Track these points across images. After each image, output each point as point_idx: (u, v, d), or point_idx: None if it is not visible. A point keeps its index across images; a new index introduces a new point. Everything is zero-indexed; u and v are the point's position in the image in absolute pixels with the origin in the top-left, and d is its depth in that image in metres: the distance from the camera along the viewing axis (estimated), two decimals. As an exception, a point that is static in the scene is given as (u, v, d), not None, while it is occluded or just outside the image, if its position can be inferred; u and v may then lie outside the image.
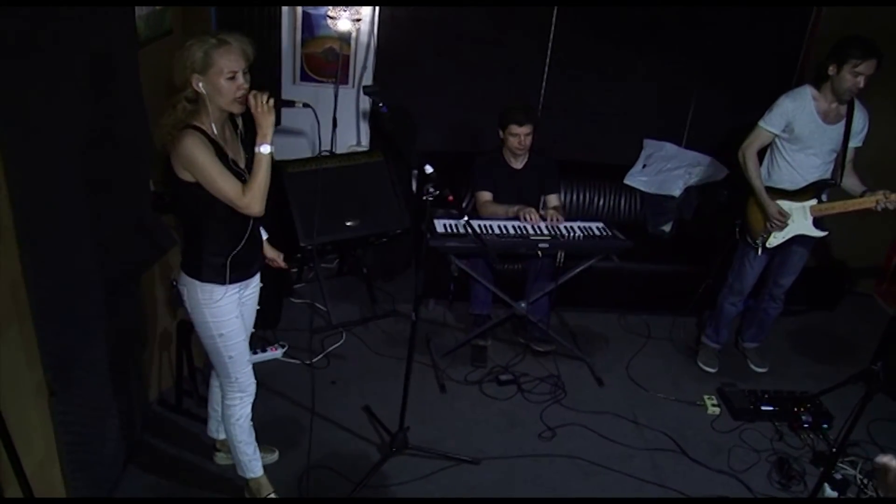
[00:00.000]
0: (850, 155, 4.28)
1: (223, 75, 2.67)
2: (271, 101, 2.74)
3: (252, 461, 3.36)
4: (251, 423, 3.29)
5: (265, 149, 2.75)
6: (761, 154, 4.38)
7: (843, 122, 4.19)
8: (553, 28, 5.53)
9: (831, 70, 4.06)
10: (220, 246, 2.91)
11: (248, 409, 3.25)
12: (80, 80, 2.80)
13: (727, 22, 5.59)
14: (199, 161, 2.67)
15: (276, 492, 3.45)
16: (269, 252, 3.36)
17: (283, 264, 3.44)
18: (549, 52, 5.61)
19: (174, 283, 3.07)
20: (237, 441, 3.28)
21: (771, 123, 4.24)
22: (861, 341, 5.41)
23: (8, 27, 2.24)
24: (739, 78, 5.74)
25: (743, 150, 4.34)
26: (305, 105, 2.98)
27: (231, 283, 2.96)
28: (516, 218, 4.48)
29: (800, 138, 4.21)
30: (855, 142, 4.26)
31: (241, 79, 2.72)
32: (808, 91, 4.18)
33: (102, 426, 3.23)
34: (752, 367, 4.94)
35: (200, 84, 2.69)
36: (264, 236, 3.29)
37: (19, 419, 2.36)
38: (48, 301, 2.60)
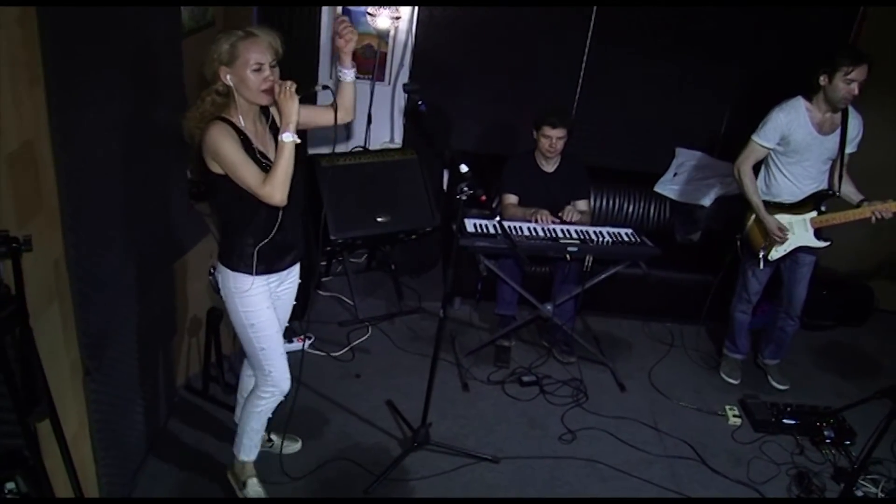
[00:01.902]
0: (845, 161, 4.28)
1: (249, 67, 2.70)
2: (293, 88, 2.72)
3: (254, 447, 3.39)
4: (270, 416, 3.33)
5: (287, 137, 2.73)
6: (756, 168, 4.39)
7: (838, 132, 4.18)
8: (590, 34, 5.53)
9: (823, 80, 4.06)
10: (249, 236, 2.93)
11: (275, 405, 3.28)
12: (124, 69, 2.86)
13: (765, 31, 5.56)
14: (223, 150, 2.70)
15: (296, 482, 3.50)
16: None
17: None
18: (584, 58, 5.62)
19: (212, 270, 3.11)
20: (249, 428, 3.31)
21: (765, 138, 4.24)
22: (888, 359, 5.39)
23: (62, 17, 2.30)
24: (776, 88, 5.68)
25: (738, 165, 4.34)
26: (324, 87, 2.97)
27: (258, 274, 2.97)
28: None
29: (796, 150, 4.20)
30: (850, 148, 4.24)
31: (267, 71, 2.74)
32: (800, 103, 4.17)
33: (131, 407, 3.30)
34: (773, 383, 4.88)
35: (228, 76, 2.73)
36: (349, 77, 3.06)
37: (56, 395, 2.41)
38: (87, 282, 2.66)
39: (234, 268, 2.96)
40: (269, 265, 3.02)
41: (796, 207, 4.33)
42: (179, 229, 3.65)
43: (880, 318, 5.87)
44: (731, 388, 4.83)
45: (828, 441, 4.28)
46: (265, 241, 2.95)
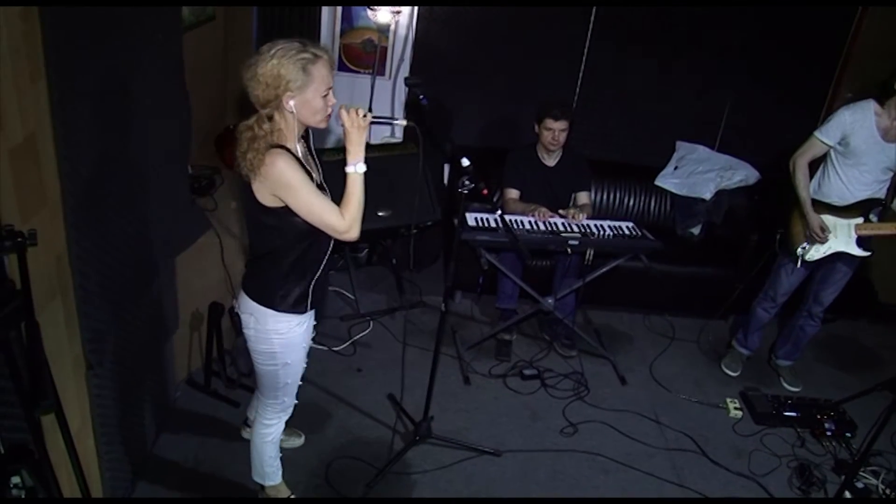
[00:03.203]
0: None
1: (320, 92, 2.50)
2: (368, 117, 2.59)
3: (276, 472, 3.30)
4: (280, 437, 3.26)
5: (361, 167, 2.60)
6: (815, 165, 4.29)
7: None
8: (591, 27, 5.53)
9: None
10: (303, 272, 2.75)
11: (283, 426, 3.18)
12: (125, 63, 2.85)
13: (765, 25, 5.55)
14: (295, 185, 2.49)
15: (298, 476, 3.52)
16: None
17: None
18: (585, 51, 5.62)
19: (235, 310, 2.91)
20: (266, 456, 3.20)
21: (826, 134, 4.14)
22: (888, 352, 5.40)
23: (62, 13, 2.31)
24: (776, 82, 5.71)
25: (794, 158, 4.24)
26: (409, 123, 2.85)
27: (312, 309, 2.86)
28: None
29: (855, 153, 4.09)
30: None
31: (331, 95, 2.56)
32: (870, 105, 4.04)
33: (134, 402, 3.30)
34: (785, 385, 4.85)
35: (292, 102, 2.48)
36: None
37: (58, 391, 2.41)
38: (89, 277, 2.66)
39: (281, 308, 2.76)
40: (320, 298, 2.89)
41: (843, 211, 4.24)
42: (181, 224, 3.65)
43: (880, 311, 5.86)
44: (731, 380, 4.84)
45: (828, 433, 4.29)
46: (317, 274, 2.80)
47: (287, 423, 3.34)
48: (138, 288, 3.16)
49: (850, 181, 4.19)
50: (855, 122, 4.05)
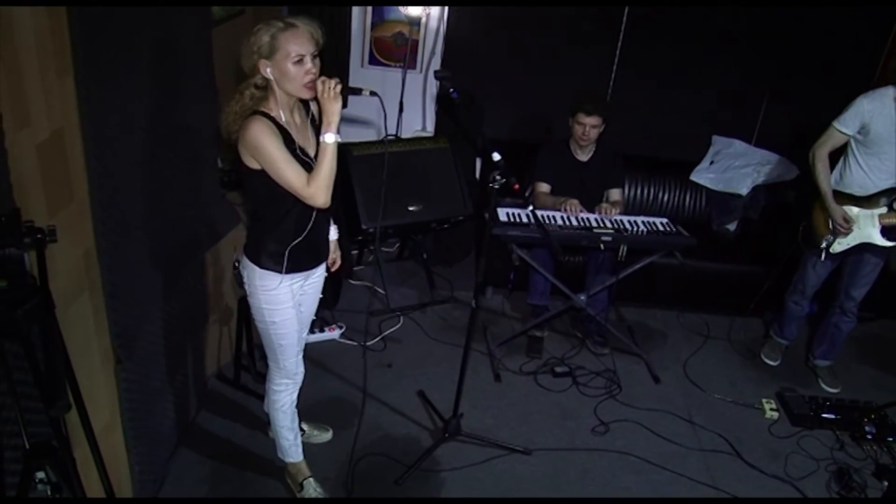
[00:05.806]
0: None
1: (290, 59, 2.59)
2: (338, 88, 2.64)
3: (292, 447, 3.37)
4: (295, 410, 3.30)
5: (330, 137, 2.67)
6: (836, 156, 4.22)
7: None
8: (625, 21, 5.44)
9: None
10: (281, 235, 2.86)
11: (294, 396, 3.25)
12: (154, 58, 2.84)
13: (804, 17, 5.41)
14: (266, 149, 2.61)
15: (326, 472, 3.50)
16: (332, 252, 3.30)
17: (336, 265, 3.37)
18: (619, 45, 5.53)
19: (236, 263, 3.07)
20: (279, 426, 3.29)
21: (845, 124, 4.07)
22: (931, 353, 5.26)
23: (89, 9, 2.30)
24: (815, 76, 5.57)
25: (814, 150, 4.18)
26: (373, 93, 2.88)
27: (288, 272, 2.92)
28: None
29: (875, 142, 4.02)
30: None
31: (309, 63, 2.64)
32: (890, 92, 3.95)
33: (162, 396, 3.31)
34: (824, 386, 4.73)
35: (268, 69, 2.63)
36: (333, 236, 3.26)
37: (87, 385, 2.42)
38: (117, 272, 2.66)
39: (263, 265, 2.89)
40: (299, 264, 2.96)
41: (866, 201, 4.16)
42: (211, 219, 3.65)
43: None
44: (767, 381, 4.73)
45: (869, 437, 4.18)
46: (297, 240, 2.88)
47: (315, 417, 3.37)
48: (167, 283, 3.16)
49: (871, 170, 4.11)
50: (874, 109, 3.97)
